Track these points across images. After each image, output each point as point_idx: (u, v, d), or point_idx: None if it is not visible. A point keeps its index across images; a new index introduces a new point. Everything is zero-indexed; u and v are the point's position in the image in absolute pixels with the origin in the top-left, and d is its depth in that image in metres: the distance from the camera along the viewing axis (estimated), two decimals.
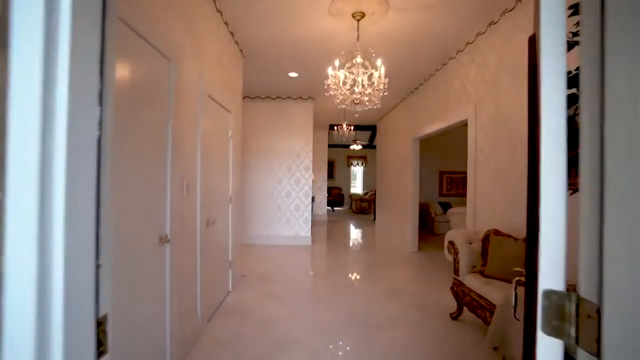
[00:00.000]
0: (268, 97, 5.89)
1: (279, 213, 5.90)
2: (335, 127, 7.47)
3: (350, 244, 6.27)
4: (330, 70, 2.84)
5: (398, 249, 5.69)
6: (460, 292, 2.69)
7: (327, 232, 7.53)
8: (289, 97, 5.90)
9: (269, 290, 3.51)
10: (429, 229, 7.45)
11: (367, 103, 2.90)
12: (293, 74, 4.75)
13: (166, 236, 1.86)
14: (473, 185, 3.37)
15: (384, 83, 2.82)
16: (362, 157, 14.01)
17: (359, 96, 2.81)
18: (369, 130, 10.29)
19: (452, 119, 3.82)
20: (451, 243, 2.85)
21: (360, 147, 9.65)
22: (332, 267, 4.57)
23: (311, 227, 6.79)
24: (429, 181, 7.79)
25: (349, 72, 2.83)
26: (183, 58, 2.10)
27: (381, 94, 2.89)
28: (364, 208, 11.64)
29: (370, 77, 2.84)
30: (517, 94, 2.70)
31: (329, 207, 12.30)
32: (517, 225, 2.69)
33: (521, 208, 2.64)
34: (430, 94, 4.63)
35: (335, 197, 13.28)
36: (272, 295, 3.35)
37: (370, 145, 12.68)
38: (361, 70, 2.74)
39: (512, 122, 2.75)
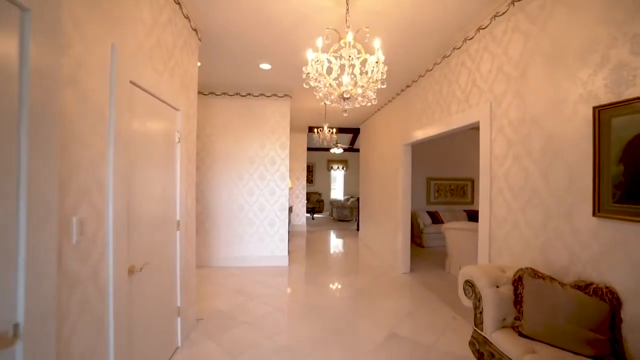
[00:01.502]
0: (237, 93, 5.04)
1: (251, 229, 5.05)
2: (316, 130, 6.71)
3: (334, 264, 5.52)
4: (310, 54, 2.08)
5: (387, 268, 5.00)
6: (487, 354, 2.01)
7: (307, 246, 6.75)
8: (261, 94, 5.08)
9: (232, 340, 2.70)
10: (416, 241, 6.84)
11: (359, 98, 2.17)
12: (265, 66, 3.95)
13: (15, 327, 1.03)
14: (487, 206, 2.72)
15: (382, 72, 2.10)
16: (343, 161, 13.36)
17: (348, 88, 2.08)
18: (350, 132, 9.63)
19: (457, 122, 3.16)
20: (470, 284, 2.17)
21: (341, 150, 8.95)
22: (314, 300, 3.80)
23: (289, 240, 5.99)
24: (415, 189, 7.18)
25: (335, 57, 2.09)
26: (67, 14, 1.27)
27: (377, 86, 2.17)
28: (346, 216, 10.95)
29: (364, 63, 2.11)
30: (555, 87, 2.06)
31: (309, 214, 11.54)
32: (558, 263, 2.04)
33: (564, 240, 2.00)
34: (426, 93, 3.97)
35: (315, 203, 12.54)
36: (236, 350, 2.54)
37: (351, 149, 12.10)
38: (353, 52, 2.00)
39: (549, 125, 2.11)
